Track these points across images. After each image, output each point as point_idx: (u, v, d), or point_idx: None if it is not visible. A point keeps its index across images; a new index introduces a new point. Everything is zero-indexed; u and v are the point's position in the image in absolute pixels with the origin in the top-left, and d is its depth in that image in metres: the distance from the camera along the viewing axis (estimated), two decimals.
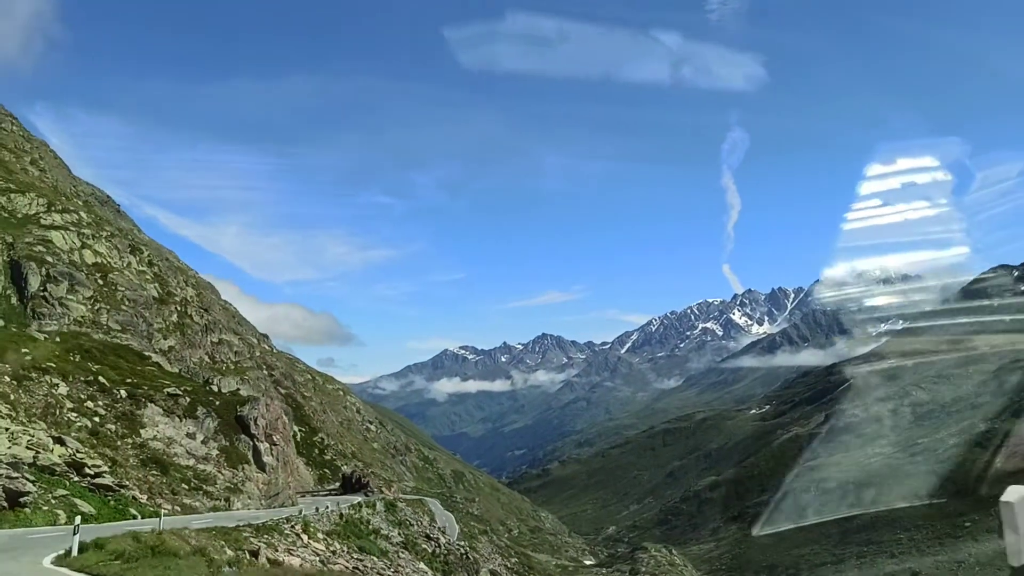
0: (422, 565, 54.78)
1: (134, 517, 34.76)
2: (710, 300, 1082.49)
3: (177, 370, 62.62)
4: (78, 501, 30.77)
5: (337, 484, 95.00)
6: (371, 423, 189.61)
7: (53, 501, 29.35)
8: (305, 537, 36.02)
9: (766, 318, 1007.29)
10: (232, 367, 79.35)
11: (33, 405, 42.46)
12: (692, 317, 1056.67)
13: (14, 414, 36.42)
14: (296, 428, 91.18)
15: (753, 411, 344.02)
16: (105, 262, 67.08)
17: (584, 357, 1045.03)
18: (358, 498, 76.26)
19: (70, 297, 59.44)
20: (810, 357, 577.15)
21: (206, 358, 75.03)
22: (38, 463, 31.11)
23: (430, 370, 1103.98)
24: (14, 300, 56.36)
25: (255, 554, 26.97)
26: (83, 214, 71.96)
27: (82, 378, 48.95)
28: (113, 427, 46.73)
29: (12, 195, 65.68)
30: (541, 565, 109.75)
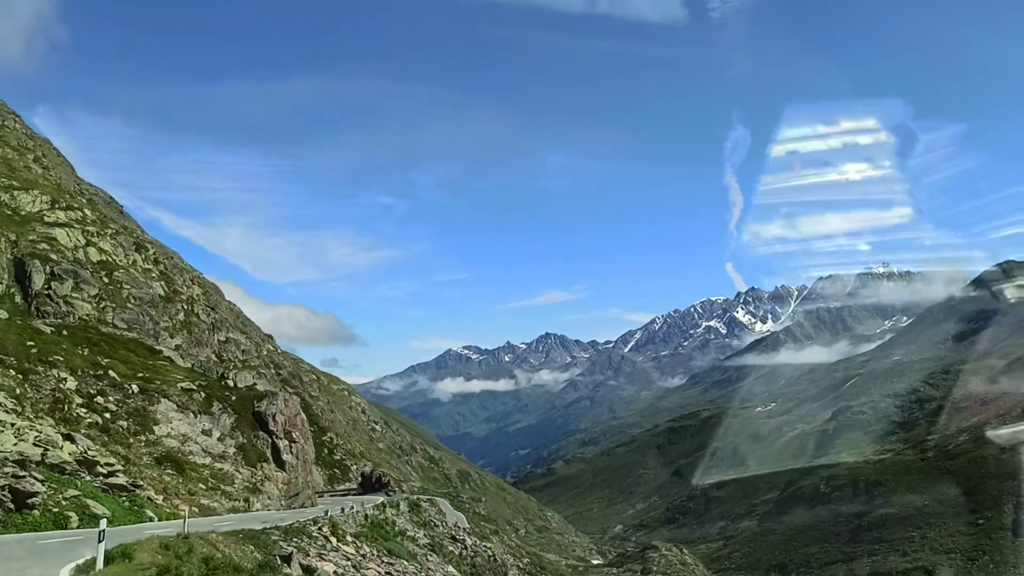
0: (451, 569, 53.15)
1: (151, 519, 33.08)
2: (713, 298, 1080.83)
3: (189, 365, 60.93)
4: (91, 502, 28.86)
5: (349, 484, 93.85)
6: (376, 423, 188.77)
7: (64, 502, 27.46)
8: (334, 540, 34.75)
9: (769, 316, 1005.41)
10: (240, 365, 78.15)
11: (40, 400, 40.71)
12: (695, 315, 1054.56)
13: (20, 409, 34.59)
14: None
15: (758, 408, 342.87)
16: (110, 260, 66.05)
17: (588, 356, 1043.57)
18: (380, 498, 74.70)
19: (75, 295, 58.37)
20: (814, 355, 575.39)
21: (213, 357, 73.91)
22: (47, 461, 29.27)
23: (434, 370, 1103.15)
24: (18, 299, 55.29)
25: (287, 559, 25.83)
26: (87, 211, 70.94)
27: (91, 372, 47.16)
28: (125, 424, 44.97)
29: (15, 192, 64.62)
30: (552, 565, 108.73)
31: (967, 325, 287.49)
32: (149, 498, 35.90)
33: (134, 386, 49.01)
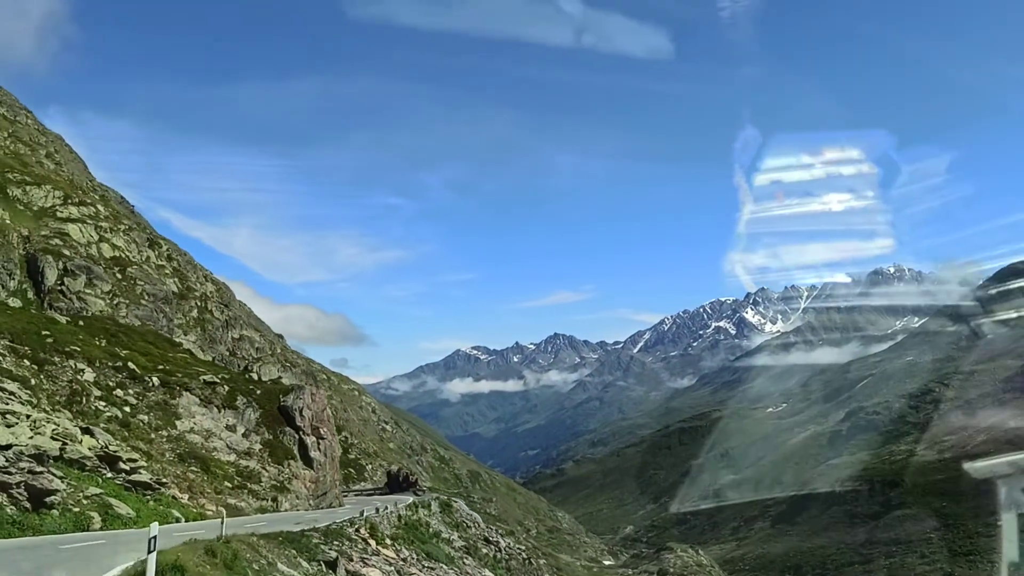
0: (488, 573, 51.48)
1: (177, 520, 31.31)
2: (723, 299, 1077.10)
3: (210, 358, 59.76)
4: (113, 501, 27.13)
5: (364, 483, 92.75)
6: (387, 423, 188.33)
7: (85, 501, 25.62)
8: (373, 543, 33.43)
9: (779, 316, 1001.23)
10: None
11: (56, 392, 38.88)
12: (705, 316, 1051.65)
13: (35, 400, 32.83)
14: None
15: (769, 409, 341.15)
16: (123, 256, 65.34)
17: (596, 357, 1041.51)
18: (408, 497, 73.26)
19: (88, 291, 57.58)
20: (824, 355, 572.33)
21: (227, 354, 72.97)
22: (65, 456, 27.50)
23: (442, 370, 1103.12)
24: (30, 294, 54.51)
25: (332, 566, 24.71)
26: (100, 207, 70.24)
27: (110, 364, 45.46)
28: (146, 418, 43.24)
29: (28, 187, 63.89)
30: (569, 566, 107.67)
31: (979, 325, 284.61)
32: (174, 497, 34.24)
33: (154, 379, 47.37)
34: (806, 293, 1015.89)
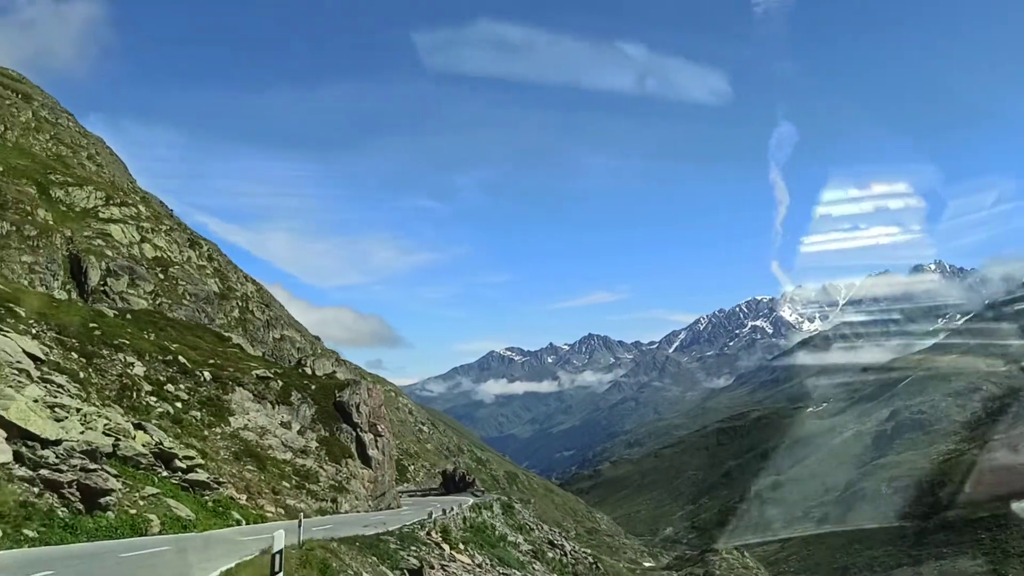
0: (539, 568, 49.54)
1: (237, 522, 29.74)
2: (759, 297, 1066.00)
3: (260, 353, 58.82)
4: (171, 502, 25.58)
5: (407, 484, 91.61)
6: (423, 424, 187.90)
7: (141, 502, 23.92)
8: (447, 548, 32.10)
9: (817, 315, 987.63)
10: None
11: (105, 386, 37.44)
12: (741, 315, 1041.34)
13: (84, 395, 31.38)
14: None
15: (810, 409, 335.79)
16: (165, 256, 65.27)
17: (631, 357, 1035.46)
18: (467, 498, 71.63)
19: (131, 291, 57.46)
20: (865, 354, 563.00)
21: (268, 354, 72.58)
22: (119, 453, 25.79)
23: (477, 372, 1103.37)
24: (74, 295, 54.46)
25: (417, 574, 23.60)
26: (142, 208, 70.33)
27: (160, 357, 44.23)
28: (198, 414, 41.89)
29: (70, 188, 64.00)
30: (612, 568, 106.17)
31: None
32: (231, 497, 32.64)
33: (206, 373, 46.13)
34: (844, 291, 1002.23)
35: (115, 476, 22.97)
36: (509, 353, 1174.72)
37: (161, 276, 61.85)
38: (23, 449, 20.51)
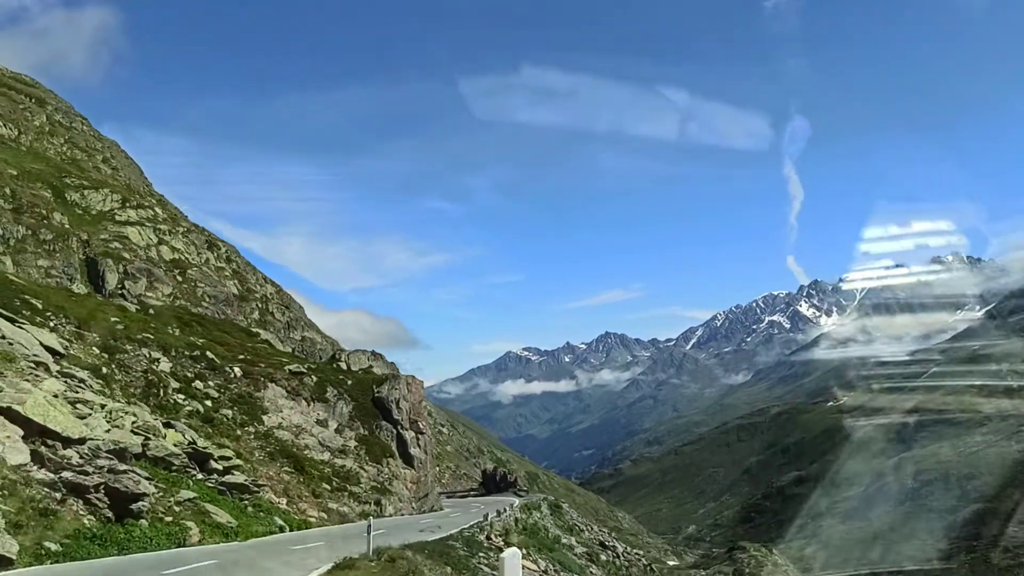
0: None
1: (280, 528, 27.59)
2: (775, 292, 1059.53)
3: (290, 349, 57.38)
4: (210, 507, 23.34)
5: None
6: (443, 425, 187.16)
7: (177, 508, 21.65)
8: None
9: (834, 309, 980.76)
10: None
11: (131, 383, 35.03)
12: (757, 311, 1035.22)
13: (108, 391, 28.97)
14: None
15: (830, 403, 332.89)
16: (183, 258, 64.71)
17: (649, 355, 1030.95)
18: (510, 498, 69.75)
19: (149, 294, 56.87)
20: (884, 347, 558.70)
21: (298, 352, 71.65)
22: (149, 453, 23.38)
23: (494, 372, 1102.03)
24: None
25: None
26: (158, 210, 69.92)
27: (187, 353, 42.16)
28: (229, 412, 39.94)
29: (85, 191, 63.59)
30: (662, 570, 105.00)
31: None
32: (270, 501, 30.50)
33: (236, 369, 44.26)
34: (861, 284, 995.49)
35: (147, 479, 20.66)
36: (526, 353, 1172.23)
37: (179, 278, 61.26)
38: (42, 449, 18.37)
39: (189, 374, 40.95)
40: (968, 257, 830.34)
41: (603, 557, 58.74)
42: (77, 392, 22.91)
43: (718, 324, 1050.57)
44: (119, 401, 28.00)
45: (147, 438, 24.03)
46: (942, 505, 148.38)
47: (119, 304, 48.76)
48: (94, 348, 36.90)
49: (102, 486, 18.41)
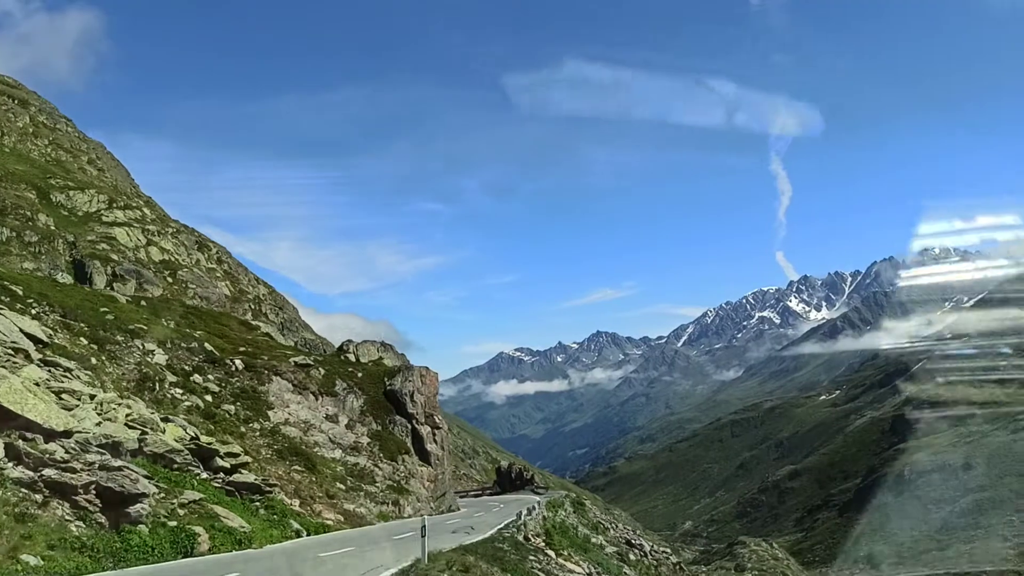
0: None
1: (297, 533, 25.11)
2: (765, 288, 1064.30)
3: (292, 343, 55.23)
4: (220, 510, 20.59)
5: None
6: None
7: (181, 511, 18.83)
8: (552, 553, 28.71)
9: (824, 304, 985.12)
10: None
11: (123, 376, 32.44)
12: (748, 307, 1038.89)
13: (98, 383, 26.14)
14: None
15: (823, 397, 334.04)
16: (173, 259, 63.45)
17: (640, 353, 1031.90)
18: (528, 496, 67.71)
19: (138, 295, 55.69)
20: (875, 340, 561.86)
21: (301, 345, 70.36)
22: (146, 449, 20.70)
23: (487, 373, 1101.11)
24: None
25: None
26: (146, 211, 68.60)
27: (183, 345, 39.71)
28: (232, 408, 37.48)
29: (71, 192, 62.22)
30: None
31: None
32: (282, 502, 27.75)
33: (237, 362, 41.81)
34: (850, 278, 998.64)
35: (147, 477, 17.93)
36: (518, 354, 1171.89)
37: (169, 279, 60.04)
38: (19, 443, 15.75)
39: (187, 367, 38.77)
40: (954, 249, 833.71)
41: (631, 556, 56.10)
42: (63, 382, 20.54)
43: (709, 321, 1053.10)
44: (111, 392, 25.77)
45: (144, 432, 21.63)
46: (939, 495, 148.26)
47: (108, 294, 46.42)
48: (82, 339, 34.63)
49: (92, 485, 15.84)
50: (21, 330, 21.24)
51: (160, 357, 37.22)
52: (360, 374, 49.99)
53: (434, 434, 49.60)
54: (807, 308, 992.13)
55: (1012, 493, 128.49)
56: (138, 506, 16.58)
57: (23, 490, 14.71)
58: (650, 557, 60.84)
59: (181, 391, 35.27)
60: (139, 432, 21.16)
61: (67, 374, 22.22)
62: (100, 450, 17.23)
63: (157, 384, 33.97)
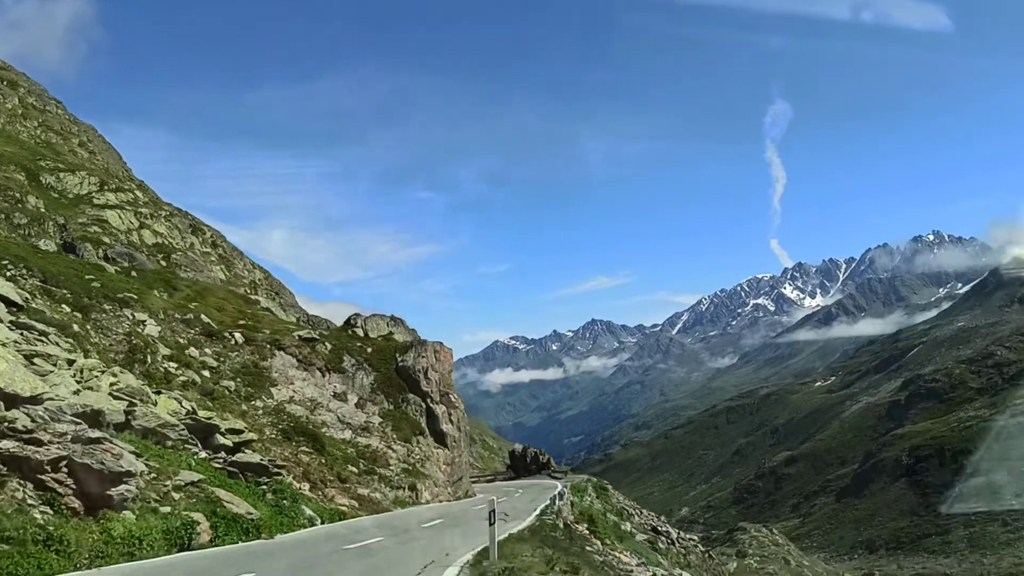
0: (681, 572, 42.80)
1: (310, 521, 22.75)
2: (760, 276, 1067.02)
3: (295, 319, 52.97)
4: (222, 493, 17.73)
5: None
6: None
7: (176, 495, 16.05)
8: (597, 542, 27.47)
9: (818, 290, 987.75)
10: None
11: (110, 347, 29.21)
12: (742, 294, 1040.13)
13: (77, 349, 22.71)
14: None
15: (818, 383, 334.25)
16: (166, 243, 62.03)
17: (635, 340, 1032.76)
18: (546, 480, 65.51)
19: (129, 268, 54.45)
20: (869, 327, 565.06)
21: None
22: (134, 423, 17.75)
23: (482, 362, 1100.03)
24: None
25: None
26: (139, 193, 67.12)
27: (178, 316, 37.06)
28: (231, 384, 34.68)
29: (61, 174, 60.68)
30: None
31: None
32: (291, 485, 24.99)
33: (237, 335, 39.18)
34: (844, 265, 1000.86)
35: (134, 453, 14.93)
36: (513, 342, 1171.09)
37: (163, 263, 58.69)
38: None
39: (181, 340, 35.93)
40: (948, 236, 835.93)
41: (660, 545, 54.03)
42: (35, 346, 17.99)
43: (703, 308, 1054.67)
44: (94, 359, 22.89)
45: (132, 403, 18.58)
46: (937, 480, 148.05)
47: (95, 263, 43.68)
48: (64, 306, 31.41)
49: (63, 462, 12.79)
50: None
51: (152, 328, 34.48)
52: (369, 349, 47.37)
53: (450, 414, 47.09)
54: (801, 295, 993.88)
55: (1011, 477, 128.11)
56: (122, 487, 13.45)
57: None
58: (678, 545, 58.96)
59: (175, 365, 32.48)
60: (126, 403, 18.50)
61: (43, 338, 19.53)
62: (76, 419, 14.41)
63: (148, 356, 30.96)
